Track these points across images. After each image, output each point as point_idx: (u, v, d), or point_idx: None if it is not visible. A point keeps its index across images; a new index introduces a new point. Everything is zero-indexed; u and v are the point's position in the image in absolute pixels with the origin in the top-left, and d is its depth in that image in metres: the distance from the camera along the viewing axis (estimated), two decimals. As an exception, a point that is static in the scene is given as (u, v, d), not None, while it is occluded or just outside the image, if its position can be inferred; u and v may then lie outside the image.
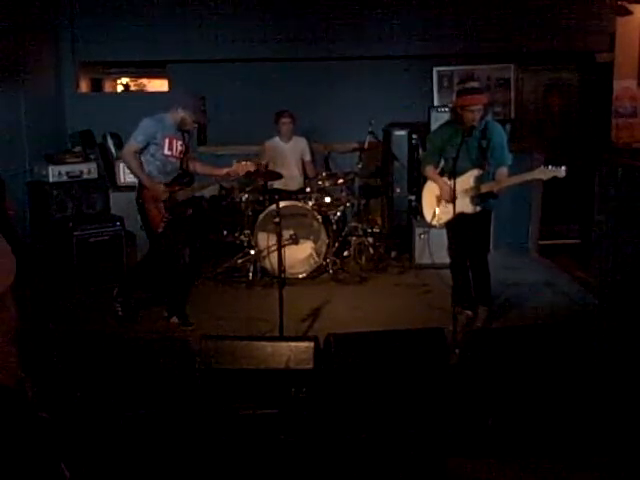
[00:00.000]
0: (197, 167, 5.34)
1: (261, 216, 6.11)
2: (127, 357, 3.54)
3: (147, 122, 5.00)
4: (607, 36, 7.01)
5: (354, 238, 6.59)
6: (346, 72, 7.52)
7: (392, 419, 3.35)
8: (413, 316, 5.21)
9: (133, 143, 4.98)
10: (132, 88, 8.99)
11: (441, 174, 4.87)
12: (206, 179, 5.51)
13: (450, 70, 7.55)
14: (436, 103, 7.37)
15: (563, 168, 4.35)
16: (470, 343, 3.71)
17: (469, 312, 4.99)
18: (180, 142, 5.07)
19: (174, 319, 5.22)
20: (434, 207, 4.93)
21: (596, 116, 7.13)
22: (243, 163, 5.22)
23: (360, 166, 6.66)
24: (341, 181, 6.45)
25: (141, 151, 4.97)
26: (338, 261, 6.35)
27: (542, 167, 4.44)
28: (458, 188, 4.59)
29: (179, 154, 5.08)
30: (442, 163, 4.91)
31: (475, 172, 4.68)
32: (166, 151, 4.99)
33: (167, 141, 4.99)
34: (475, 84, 4.76)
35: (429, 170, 4.94)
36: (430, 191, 4.99)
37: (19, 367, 2.59)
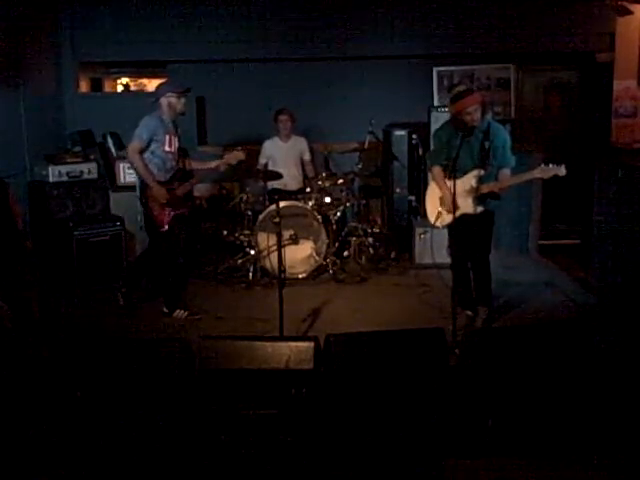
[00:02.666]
0: (190, 164, 5.41)
1: (261, 216, 6.10)
2: (127, 357, 3.54)
3: (149, 119, 5.03)
4: (607, 36, 7.01)
5: (354, 238, 6.59)
6: (346, 72, 7.53)
7: (391, 419, 3.35)
8: (413, 316, 5.21)
9: (137, 141, 4.98)
10: (132, 88, 8.96)
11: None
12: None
13: (450, 70, 7.56)
14: (436, 103, 7.37)
15: (563, 166, 4.35)
16: (470, 343, 3.71)
17: (469, 312, 4.99)
18: (176, 138, 5.16)
19: (177, 313, 5.24)
20: (438, 208, 4.90)
21: (596, 116, 7.12)
22: (234, 153, 5.30)
23: (360, 166, 6.66)
24: (341, 181, 6.46)
25: (143, 150, 4.99)
26: (338, 261, 6.35)
27: (542, 166, 4.42)
28: (460, 189, 4.59)
29: (176, 150, 5.15)
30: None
31: (476, 172, 4.66)
32: (167, 147, 5.06)
33: (167, 137, 5.06)
34: (462, 87, 4.74)
35: (436, 171, 4.82)
36: (434, 192, 4.95)
37: None
